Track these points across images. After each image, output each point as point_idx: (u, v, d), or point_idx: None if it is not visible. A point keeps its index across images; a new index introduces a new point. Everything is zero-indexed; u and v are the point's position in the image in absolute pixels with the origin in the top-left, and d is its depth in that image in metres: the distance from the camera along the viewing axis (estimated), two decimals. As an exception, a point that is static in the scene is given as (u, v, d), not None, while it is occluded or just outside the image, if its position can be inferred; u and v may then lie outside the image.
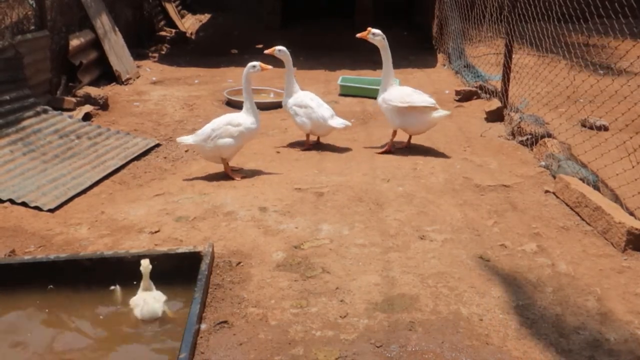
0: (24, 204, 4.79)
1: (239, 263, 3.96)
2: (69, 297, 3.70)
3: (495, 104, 7.07)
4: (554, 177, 5.16)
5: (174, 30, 12.74)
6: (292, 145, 6.28)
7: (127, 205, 4.87)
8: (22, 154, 5.50)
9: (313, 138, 6.27)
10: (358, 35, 5.96)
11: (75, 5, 8.28)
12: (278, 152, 6.08)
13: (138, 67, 9.55)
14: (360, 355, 3.11)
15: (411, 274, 3.84)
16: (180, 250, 3.91)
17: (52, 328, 3.50)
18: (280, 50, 6.00)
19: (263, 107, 7.63)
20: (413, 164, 5.69)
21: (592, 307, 3.52)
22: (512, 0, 6.90)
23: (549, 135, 5.89)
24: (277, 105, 7.23)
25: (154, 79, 9.17)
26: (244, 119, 5.37)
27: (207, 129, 5.31)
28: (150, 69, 9.85)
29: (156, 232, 4.40)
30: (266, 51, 6.04)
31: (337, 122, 6.12)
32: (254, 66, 5.38)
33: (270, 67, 5.46)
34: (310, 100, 6.07)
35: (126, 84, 8.62)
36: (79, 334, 3.47)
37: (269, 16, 13.49)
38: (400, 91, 5.95)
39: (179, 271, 3.79)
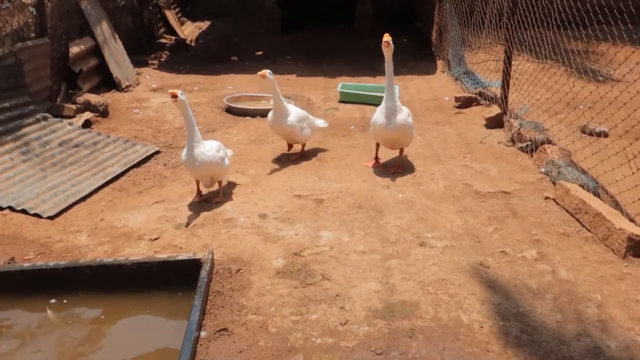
0: (23, 212, 4.79)
1: (239, 270, 3.96)
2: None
3: (494, 110, 7.07)
4: (554, 184, 5.16)
5: (173, 38, 12.77)
6: (294, 152, 6.27)
7: (126, 212, 4.86)
8: (21, 161, 5.50)
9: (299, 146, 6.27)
10: (385, 41, 5.38)
11: (76, 13, 8.30)
12: (278, 159, 6.07)
13: (138, 74, 9.57)
14: (360, 363, 3.10)
15: (411, 280, 3.83)
16: (180, 258, 3.90)
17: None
18: (270, 73, 5.74)
19: (265, 114, 7.63)
20: (413, 171, 5.69)
21: (592, 314, 3.51)
22: (511, 6, 6.91)
23: (549, 142, 5.89)
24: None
25: (154, 86, 9.18)
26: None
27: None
28: (150, 76, 9.86)
29: (156, 239, 4.39)
30: (259, 73, 5.72)
31: (321, 122, 6.37)
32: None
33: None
34: (302, 110, 6.13)
35: (126, 91, 8.63)
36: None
37: (269, 22, 13.52)
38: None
39: (178, 278, 3.79)
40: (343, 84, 8.75)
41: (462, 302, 3.61)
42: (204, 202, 5.01)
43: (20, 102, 6.22)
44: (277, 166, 5.89)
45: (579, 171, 5.14)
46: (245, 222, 4.63)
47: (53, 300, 3.72)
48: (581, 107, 6.64)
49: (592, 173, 5.15)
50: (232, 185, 5.40)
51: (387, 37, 5.35)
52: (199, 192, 5.11)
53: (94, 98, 7.53)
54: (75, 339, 3.46)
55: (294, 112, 5.98)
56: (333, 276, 3.88)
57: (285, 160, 6.05)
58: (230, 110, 7.90)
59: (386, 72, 5.46)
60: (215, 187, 5.14)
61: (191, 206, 4.94)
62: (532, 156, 5.93)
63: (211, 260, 3.88)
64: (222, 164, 5.01)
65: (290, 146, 6.29)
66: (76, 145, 6.03)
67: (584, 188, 4.83)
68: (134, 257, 3.99)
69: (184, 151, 4.92)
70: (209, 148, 4.91)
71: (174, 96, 4.65)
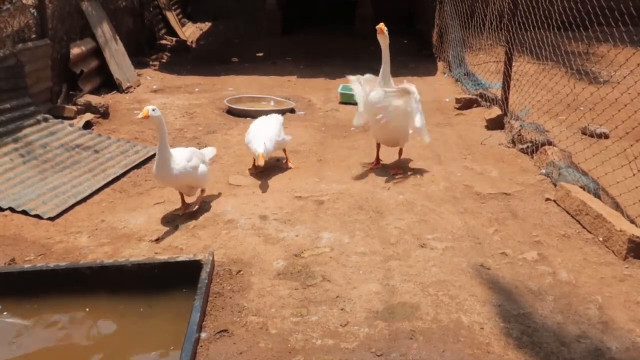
0: (24, 213, 4.78)
1: (240, 272, 3.95)
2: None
3: (495, 112, 7.07)
4: (555, 185, 5.16)
5: (175, 39, 12.79)
6: (293, 153, 6.27)
7: (127, 214, 4.87)
8: (22, 163, 5.50)
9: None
10: (379, 28, 5.32)
11: (77, 14, 8.31)
12: (278, 161, 6.07)
13: (139, 75, 9.57)
14: (361, 365, 3.10)
15: (412, 282, 3.83)
16: (180, 259, 3.90)
17: None
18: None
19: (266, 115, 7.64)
20: (414, 172, 5.69)
21: (593, 315, 3.51)
22: (512, 8, 6.91)
23: (550, 143, 5.89)
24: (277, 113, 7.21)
25: (154, 87, 9.19)
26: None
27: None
28: (151, 77, 9.87)
29: (156, 240, 4.39)
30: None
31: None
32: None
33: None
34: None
35: (127, 93, 8.64)
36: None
37: (270, 24, 13.53)
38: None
39: (179, 280, 3.79)
40: (344, 85, 8.75)
41: (462, 303, 3.61)
42: (204, 204, 5.00)
43: (21, 103, 6.23)
44: (277, 167, 5.89)
45: (579, 173, 5.14)
46: (246, 224, 4.63)
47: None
48: (582, 108, 6.65)
49: (593, 175, 5.15)
50: (233, 186, 5.40)
51: (381, 25, 5.32)
52: (184, 204, 4.89)
53: (94, 99, 7.54)
54: (75, 340, 3.46)
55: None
56: (334, 278, 3.88)
57: (284, 160, 6.03)
58: (231, 112, 7.90)
59: (383, 58, 5.39)
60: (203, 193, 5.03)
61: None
62: (532, 158, 5.93)
63: (212, 261, 3.88)
64: (195, 173, 4.70)
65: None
66: (77, 147, 6.03)
67: (584, 190, 4.83)
68: (134, 258, 3.99)
69: (155, 165, 4.63)
70: (178, 160, 4.60)
71: (146, 117, 4.30)
